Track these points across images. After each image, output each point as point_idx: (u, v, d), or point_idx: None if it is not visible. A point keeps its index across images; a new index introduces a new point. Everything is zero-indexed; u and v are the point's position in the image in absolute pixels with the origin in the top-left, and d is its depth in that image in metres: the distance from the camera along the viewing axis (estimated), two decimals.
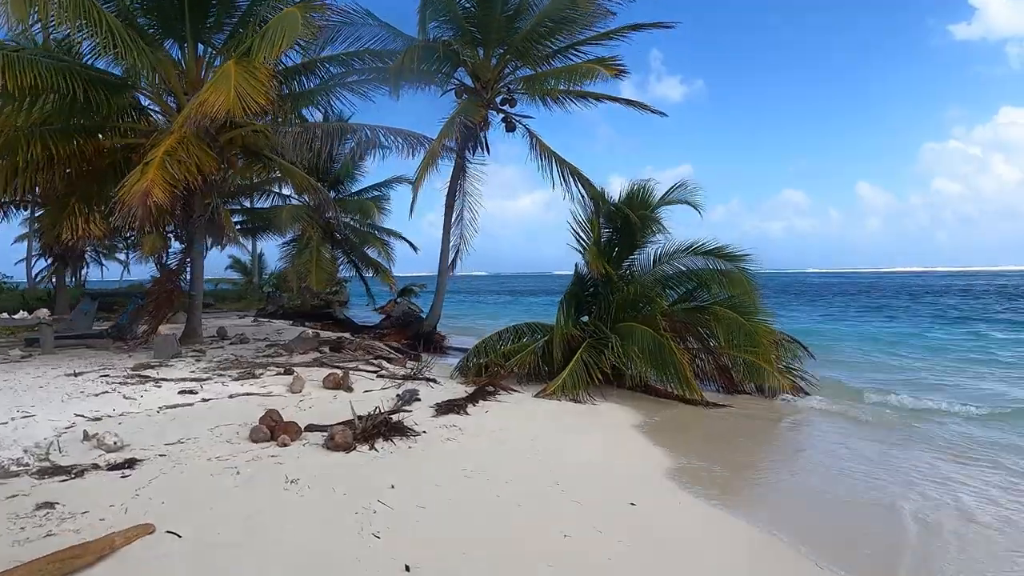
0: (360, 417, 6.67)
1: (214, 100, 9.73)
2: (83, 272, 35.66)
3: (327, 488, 5.01)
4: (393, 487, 5.10)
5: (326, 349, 12.64)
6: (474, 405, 8.39)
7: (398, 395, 8.36)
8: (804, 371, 11.37)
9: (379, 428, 6.49)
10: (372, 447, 6.13)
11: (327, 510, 4.60)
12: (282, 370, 9.86)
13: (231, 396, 8.01)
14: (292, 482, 5.10)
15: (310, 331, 13.96)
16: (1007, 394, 11.49)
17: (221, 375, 9.62)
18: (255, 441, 6.12)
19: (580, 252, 11.59)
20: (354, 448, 6.03)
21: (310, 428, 6.57)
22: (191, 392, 8.08)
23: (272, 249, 54.93)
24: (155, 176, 9.59)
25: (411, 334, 17.07)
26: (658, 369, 10.37)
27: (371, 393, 8.67)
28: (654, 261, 12.25)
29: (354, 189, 30.10)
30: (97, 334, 14.59)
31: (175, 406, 7.41)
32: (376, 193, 29.33)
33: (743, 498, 5.94)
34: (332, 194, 28.63)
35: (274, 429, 6.23)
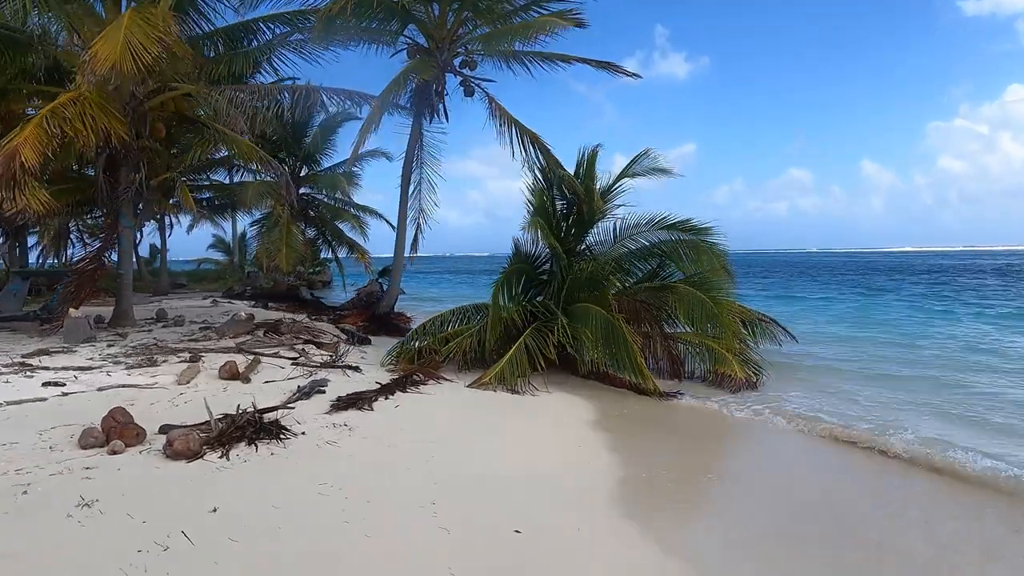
0: (226, 416, 5.63)
1: (104, 53, 8.57)
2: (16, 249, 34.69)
3: (124, 513, 3.97)
4: (215, 510, 4.07)
5: (260, 332, 11.59)
6: (386, 398, 7.35)
7: (299, 387, 7.32)
8: (763, 368, 10.17)
9: (244, 430, 5.45)
10: (225, 454, 5.09)
11: (103, 546, 3.57)
12: (188, 356, 8.81)
13: (100, 389, 6.97)
14: (85, 505, 4.06)
15: (243, 313, 12.90)
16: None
17: (119, 363, 8.59)
18: (84, 447, 5.09)
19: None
20: (200, 456, 5.00)
21: (164, 429, 5.52)
22: (57, 384, 7.04)
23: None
24: (30, 135, 8.47)
25: (370, 315, 16.05)
26: (610, 355, 9.31)
27: (272, 384, 7.64)
28: (615, 237, 11.15)
29: (328, 164, 28.84)
30: (24, 316, 13.55)
31: (23, 401, 6.37)
32: (352, 168, 28.09)
33: (694, 533, 4.81)
34: (304, 170, 27.52)
35: (110, 433, 5.19)
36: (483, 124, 13.92)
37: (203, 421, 5.57)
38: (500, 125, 13.72)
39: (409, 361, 9.48)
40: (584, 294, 10.13)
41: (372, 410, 6.80)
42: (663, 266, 10.89)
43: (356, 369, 8.79)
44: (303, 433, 5.77)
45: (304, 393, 7.05)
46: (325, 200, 28.17)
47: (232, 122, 13.97)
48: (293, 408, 6.30)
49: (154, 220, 26.37)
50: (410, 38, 13.79)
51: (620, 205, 11.17)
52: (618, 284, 11.14)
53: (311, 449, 5.44)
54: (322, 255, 32.93)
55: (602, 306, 9.50)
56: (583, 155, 10.72)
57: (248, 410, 5.79)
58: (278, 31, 14.20)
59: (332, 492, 4.52)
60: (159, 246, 42.88)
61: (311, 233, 28.61)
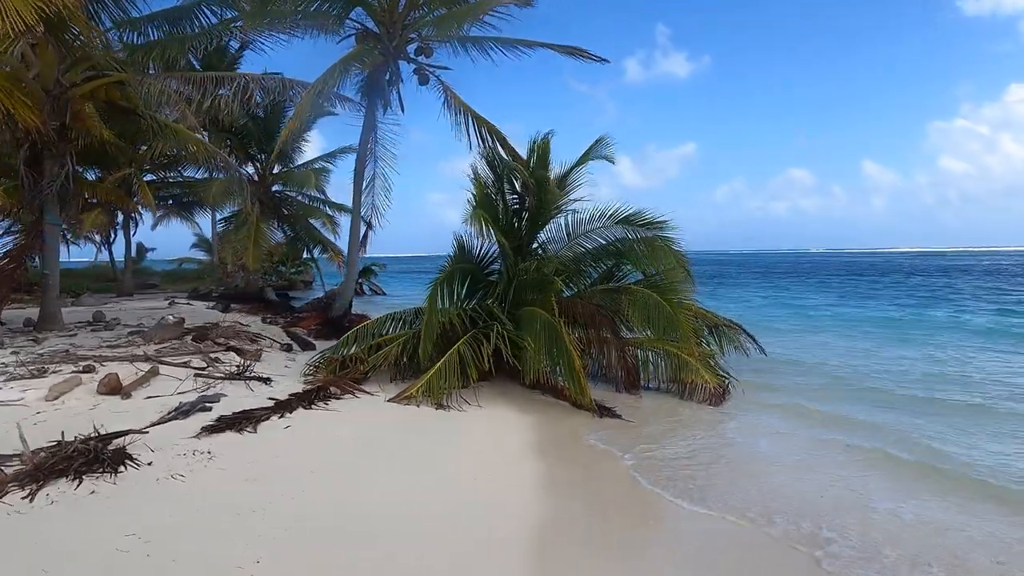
0: (58, 444, 4.77)
1: None
2: None
3: None
4: None
5: (188, 338, 10.72)
6: (281, 417, 6.48)
7: (181, 403, 6.44)
8: (730, 375, 9.32)
9: (72, 461, 4.59)
10: (32, 494, 4.22)
11: None
12: (81, 368, 7.94)
13: None
14: None
15: (171, 317, 12.05)
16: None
17: (5, 373, 7.73)
18: None
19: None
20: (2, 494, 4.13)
21: None
22: None
23: None
24: None
25: (324, 318, 15.18)
26: (553, 364, 8.45)
27: (155, 400, 6.76)
28: (568, 234, 10.28)
29: (303, 161, 27.97)
30: None
31: None
32: (324, 164, 27.22)
33: None
34: (277, 167, 26.64)
35: None
36: (437, 114, 13.10)
37: (47, 445, 4.72)
38: (455, 115, 12.91)
39: (333, 371, 8.60)
40: (533, 296, 9.27)
41: (255, 432, 5.93)
42: (618, 266, 10.03)
43: (266, 381, 7.91)
44: (150, 464, 4.90)
45: (182, 412, 6.18)
46: (299, 198, 27.33)
47: (180, 115, 13.17)
48: (147, 432, 5.42)
49: (131, 217, 25.54)
50: (359, 23, 12.91)
51: (576, 200, 10.31)
52: (571, 286, 10.29)
53: (147, 485, 4.57)
54: (304, 255, 32.30)
55: (546, 310, 8.64)
56: (535, 143, 9.83)
57: (90, 436, 4.93)
58: (227, 15, 13.35)
59: (133, 548, 3.65)
60: (146, 245, 42.34)
61: (284, 232, 27.79)
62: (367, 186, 14.12)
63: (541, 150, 9.70)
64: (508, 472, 5.71)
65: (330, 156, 27.29)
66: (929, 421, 7.71)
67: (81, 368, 7.89)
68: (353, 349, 9.05)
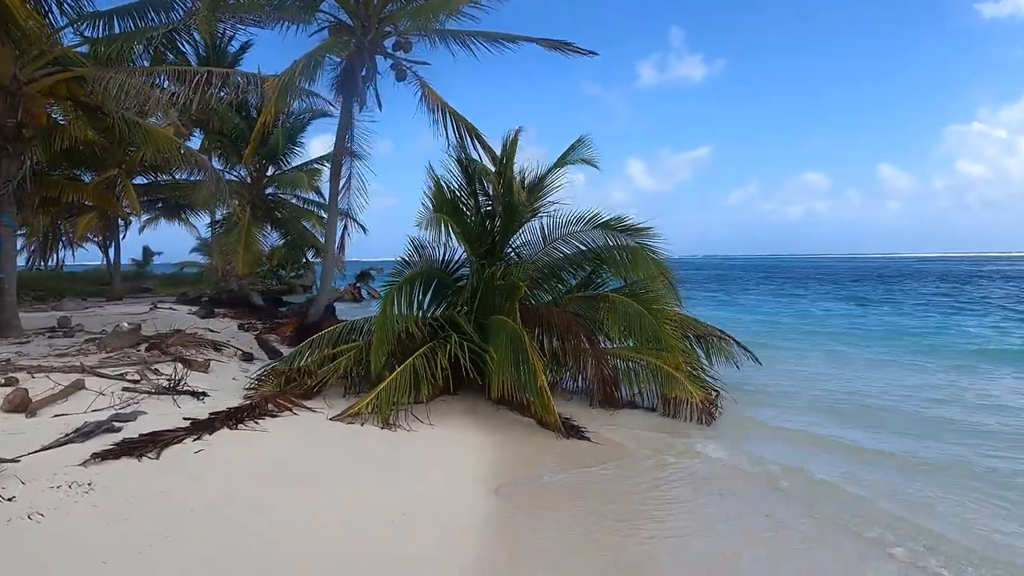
0: None
1: None
2: None
3: None
4: None
5: (143, 346, 10.10)
6: (196, 439, 5.80)
7: (86, 423, 5.79)
8: (719, 388, 8.57)
9: None
10: None
11: None
12: (2, 381, 7.32)
13: None
14: None
15: (125, 324, 11.46)
16: None
17: None
18: None
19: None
20: None
21: None
22: None
23: None
24: None
25: (300, 324, 14.55)
26: (519, 377, 7.72)
27: (62, 419, 6.10)
28: (544, 238, 9.58)
29: (298, 163, 27.48)
30: None
31: None
32: (318, 166, 26.70)
33: None
34: (271, 169, 26.15)
35: None
36: (414, 112, 12.48)
37: None
38: (433, 112, 12.27)
39: (279, 385, 7.93)
40: (501, 304, 8.56)
41: (157, 458, 5.25)
42: (598, 272, 9.30)
43: (198, 396, 7.24)
44: (11, 499, 4.24)
45: (83, 433, 5.52)
46: (293, 201, 26.83)
47: (162, 112, 12.63)
48: (18, 462, 4.75)
49: (112, 219, 25.16)
50: (332, 15, 12.31)
51: (555, 203, 9.60)
52: (547, 293, 9.59)
53: None
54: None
55: (512, 318, 7.93)
56: (505, 141, 9.14)
57: None
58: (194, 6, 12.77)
59: None
60: (153, 249, 42.13)
61: (282, 236, 27.27)
62: (343, 186, 13.51)
63: (508, 149, 8.98)
64: (439, 515, 4.93)
65: (324, 159, 26.79)
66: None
67: (1, 381, 7.27)
68: (306, 360, 8.37)
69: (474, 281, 8.63)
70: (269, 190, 26.28)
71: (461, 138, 11.87)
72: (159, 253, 43.35)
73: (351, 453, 6.15)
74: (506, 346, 7.65)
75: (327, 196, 26.16)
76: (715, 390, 8.60)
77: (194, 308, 19.30)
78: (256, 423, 6.48)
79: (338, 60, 12.34)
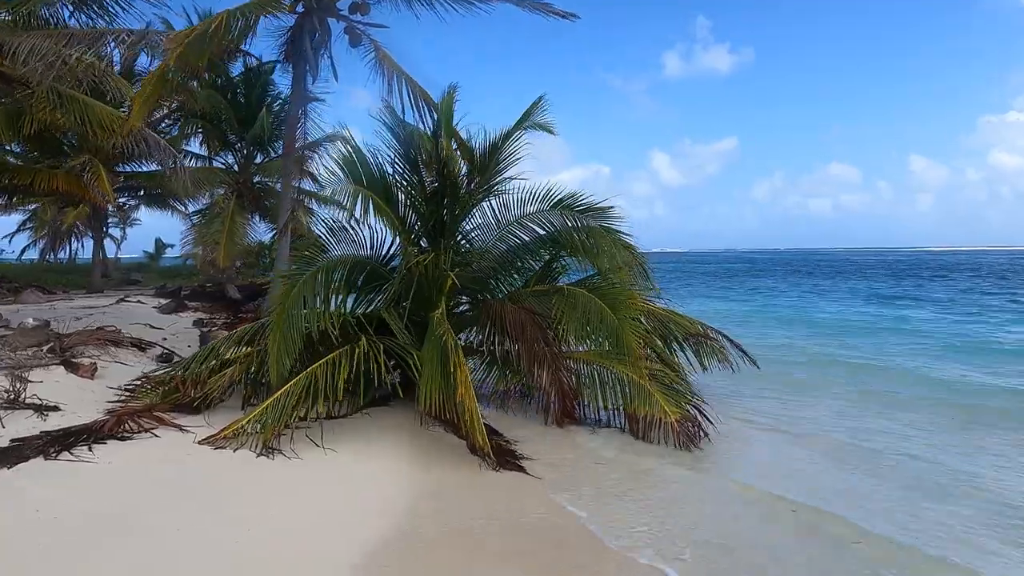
0: None
1: None
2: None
3: None
4: None
5: (45, 346, 8.84)
6: (10, 468, 4.47)
7: None
8: (702, 404, 7.05)
9: None
10: None
11: None
12: None
13: None
14: None
15: (31, 321, 10.23)
16: None
17: None
18: None
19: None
20: None
21: None
22: None
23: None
24: None
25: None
26: (445, 388, 6.28)
27: None
28: (498, 221, 8.12)
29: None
30: None
31: None
32: (308, 154, 25.40)
33: None
34: (259, 157, 24.96)
35: None
36: (367, 79, 11.07)
37: None
38: (388, 81, 10.82)
39: (163, 396, 6.59)
40: (437, 299, 7.14)
41: None
42: (558, 260, 7.82)
43: (40, 412, 5.90)
44: None
45: None
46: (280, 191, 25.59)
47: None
48: None
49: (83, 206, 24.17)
50: None
51: (512, 178, 8.11)
52: (502, 286, 8.15)
53: None
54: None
55: (440, 315, 6.49)
56: (439, 105, 7.67)
57: None
58: None
59: None
60: (165, 241, 41.58)
61: (267, 227, 26.09)
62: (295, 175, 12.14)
63: (443, 113, 7.48)
64: None
65: (315, 144, 25.50)
66: None
67: None
68: (200, 366, 7.01)
69: (403, 270, 7.18)
70: (257, 178, 25.10)
71: (417, 109, 10.41)
72: (171, 245, 42.78)
73: (201, 492, 4.77)
74: (434, 350, 6.24)
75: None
76: (697, 406, 7.05)
77: (161, 302, 18.16)
78: (91, 449, 5.12)
79: (285, 23, 10.98)
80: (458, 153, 8.03)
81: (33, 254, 38.21)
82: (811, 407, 8.40)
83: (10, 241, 41.94)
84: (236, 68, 22.11)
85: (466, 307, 8.61)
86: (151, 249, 44.62)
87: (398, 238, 7.78)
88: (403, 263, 7.25)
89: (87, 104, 11.91)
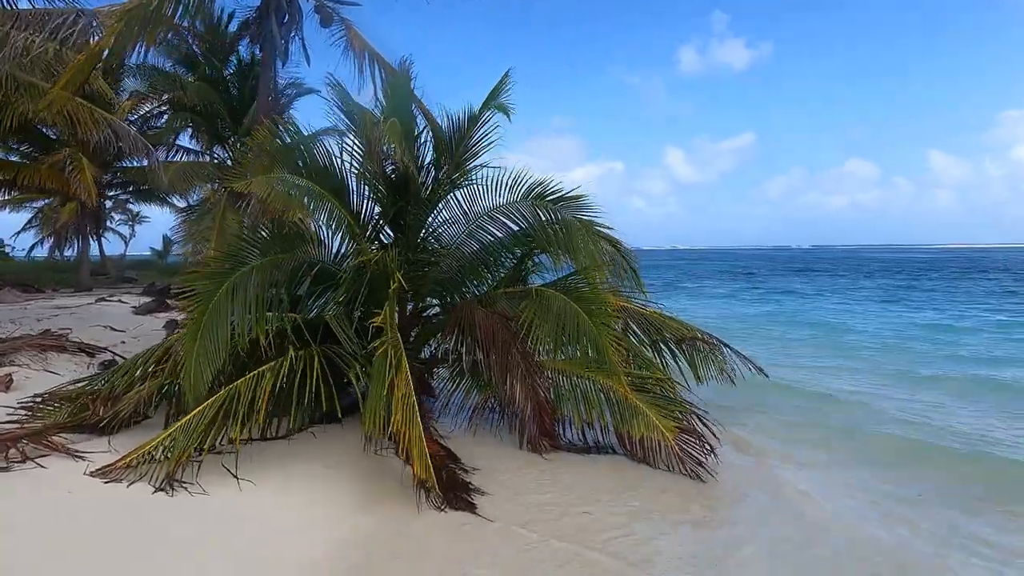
0: None
1: None
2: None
3: None
4: None
5: None
6: None
7: None
8: (704, 413, 6.17)
9: None
10: None
11: None
12: None
13: None
14: None
15: None
16: None
17: None
18: None
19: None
20: None
21: None
22: None
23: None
24: None
25: None
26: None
27: None
28: (466, 215, 7.21)
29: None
30: None
31: None
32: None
33: None
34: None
35: None
36: (338, 61, 10.23)
37: None
38: (359, 60, 9.97)
39: (73, 413, 5.75)
40: (386, 302, 6.23)
41: None
42: (527, 258, 6.90)
43: None
44: None
45: None
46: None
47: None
48: None
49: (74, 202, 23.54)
50: None
51: (480, 166, 7.18)
52: (471, 288, 7.25)
53: None
54: None
55: (388, 321, 5.59)
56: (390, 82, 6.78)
57: None
58: None
59: None
60: (171, 238, 41.20)
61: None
62: None
63: (393, 94, 6.57)
64: None
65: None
66: None
67: None
68: (123, 378, 6.17)
69: (349, 271, 6.29)
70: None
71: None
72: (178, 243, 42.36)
73: (45, 553, 3.89)
74: (381, 360, 5.34)
75: None
76: (696, 416, 6.11)
77: (139, 301, 17.44)
78: None
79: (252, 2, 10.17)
80: (426, 137, 7.18)
81: (43, 252, 37.99)
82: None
83: (15, 239, 41.81)
84: (230, 66, 21.50)
85: (437, 311, 7.76)
86: (160, 247, 44.31)
87: (349, 233, 6.88)
88: (352, 261, 6.35)
89: (40, 88, 11.30)
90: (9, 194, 24.40)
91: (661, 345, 7.33)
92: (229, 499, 4.63)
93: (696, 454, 5.65)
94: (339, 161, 6.68)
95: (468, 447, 6.21)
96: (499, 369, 6.36)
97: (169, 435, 4.95)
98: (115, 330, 11.21)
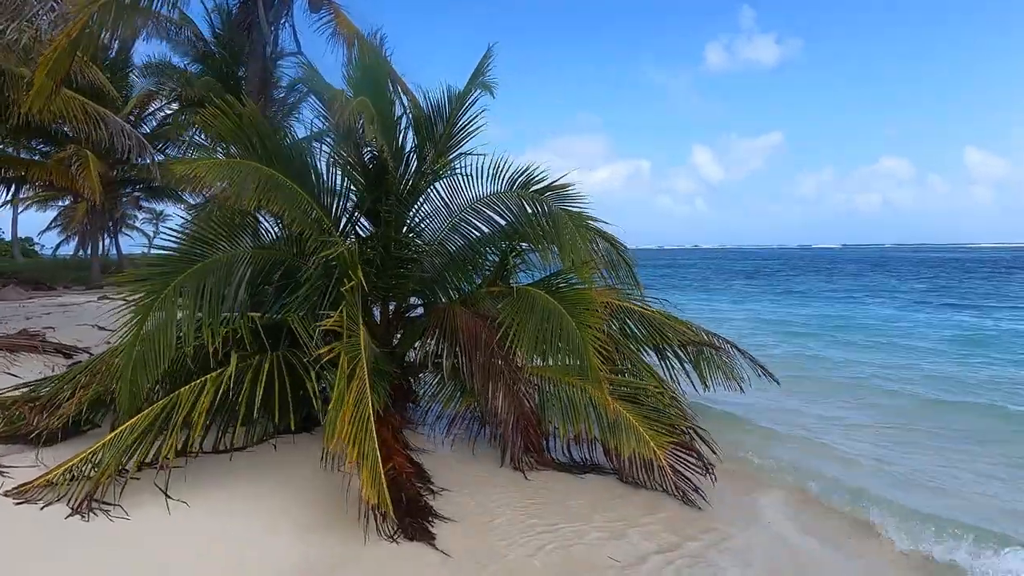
0: None
1: None
2: None
3: None
4: None
5: None
6: None
7: None
8: (701, 433, 5.49)
9: None
10: None
11: None
12: None
13: None
14: None
15: None
16: None
17: None
18: None
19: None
20: None
21: None
22: None
23: None
24: None
25: None
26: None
27: None
28: (448, 207, 6.61)
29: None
30: None
31: None
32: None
33: None
34: None
35: None
36: (323, 51, 9.72)
37: None
38: (348, 47, 9.44)
39: (11, 422, 5.27)
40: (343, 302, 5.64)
41: None
42: (511, 254, 6.26)
43: None
44: None
45: None
46: None
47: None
48: None
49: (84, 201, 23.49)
50: None
51: (468, 153, 6.57)
52: (453, 287, 6.65)
53: None
54: None
55: (350, 329, 5.00)
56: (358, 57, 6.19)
57: None
58: None
59: None
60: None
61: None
62: None
63: (370, 60, 5.97)
64: None
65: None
66: None
67: None
68: (68, 384, 5.67)
69: (312, 268, 5.71)
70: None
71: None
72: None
73: None
74: (343, 367, 4.76)
75: None
76: (696, 432, 5.43)
77: None
78: None
79: None
80: (407, 121, 6.61)
81: (68, 250, 38.37)
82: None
83: (41, 237, 42.39)
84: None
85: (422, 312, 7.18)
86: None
87: (317, 226, 6.30)
88: (318, 258, 5.77)
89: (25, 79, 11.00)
90: (27, 192, 24.46)
91: (665, 348, 6.64)
92: (153, 524, 4.08)
93: (690, 475, 4.96)
94: (317, 149, 6.12)
95: (445, 462, 5.64)
96: (481, 375, 5.79)
97: (93, 451, 4.41)
98: (103, 329, 10.80)
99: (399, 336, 7.00)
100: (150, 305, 4.96)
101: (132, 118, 19.98)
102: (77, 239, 34.47)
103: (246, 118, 5.47)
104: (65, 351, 8.78)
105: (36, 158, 20.75)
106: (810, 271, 49.36)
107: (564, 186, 5.68)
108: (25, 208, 33.63)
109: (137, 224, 40.85)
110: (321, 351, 4.65)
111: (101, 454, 4.39)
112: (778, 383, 6.97)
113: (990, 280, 36.71)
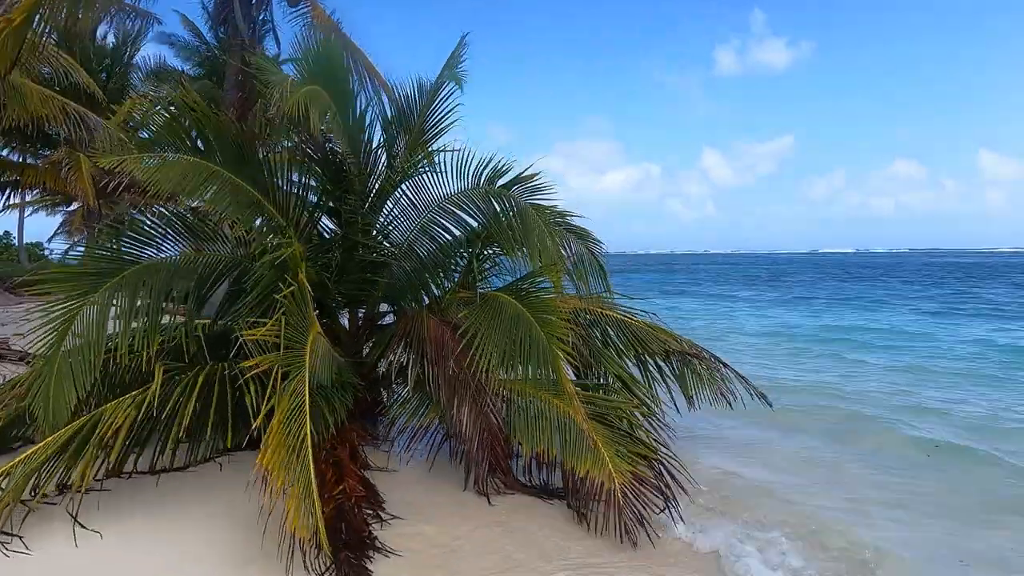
0: None
1: None
2: None
3: None
4: None
5: None
6: None
7: None
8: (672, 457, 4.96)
9: None
10: None
11: None
12: None
13: None
14: None
15: None
16: None
17: None
18: None
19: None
20: None
21: None
22: None
23: None
24: None
25: None
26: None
27: None
28: (415, 207, 6.15)
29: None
30: None
31: None
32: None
33: None
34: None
35: None
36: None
37: None
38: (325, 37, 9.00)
39: None
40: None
41: None
42: (478, 255, 5.79)
43: None
44: None
45: None
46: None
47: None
48: None
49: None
50: None
51: (442, 149, 6.10)
52: (421, 292, 6.19)
53: None
54: None
55: (296, 338, 4.55)
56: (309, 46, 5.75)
57: None
58: None
59: None
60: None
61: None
62: None
63: (324, 51, 5.52)
64: None
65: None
66: None
67: None
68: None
69: (260, 270, 5.25)
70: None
71: (357, 75, 8.56)
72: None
73: None
74: (276, 382, 4.32)
75: None
76: (665, 463, 4.90)
77: None
78: None
79: None
80: (374, 114, 6.18)
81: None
82: None
83: (50, 242, 42.36)
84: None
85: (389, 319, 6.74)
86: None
87: (269, 226, 5.86)
88: (265, 260, 5.32)
89: (14, 85, 10.65)
90: (30, 196, 24.29)
91: (647, 359, 6.12)
92: (55, 561, 3.63)
93: (642, 510, 4.38)
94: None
95: (404, 482, 5.17)
96: (447, 388, 5.31)
97: (4, 469, 3.98)
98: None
99: (370, 345, 6.56)
100: (74, 310, 4.56)
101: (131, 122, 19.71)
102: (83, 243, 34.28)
103: (181, 108, 5.04)
104: (31, 360, 8.40)
105: (30, 161, 20.51)
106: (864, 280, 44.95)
107: (531, 177, 5.22)
108: (33, 212, 33.54)
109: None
110: (246, 363, 4.17)
111: (12, 476, 3.96)
112: (771, 405, 6.41)
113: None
